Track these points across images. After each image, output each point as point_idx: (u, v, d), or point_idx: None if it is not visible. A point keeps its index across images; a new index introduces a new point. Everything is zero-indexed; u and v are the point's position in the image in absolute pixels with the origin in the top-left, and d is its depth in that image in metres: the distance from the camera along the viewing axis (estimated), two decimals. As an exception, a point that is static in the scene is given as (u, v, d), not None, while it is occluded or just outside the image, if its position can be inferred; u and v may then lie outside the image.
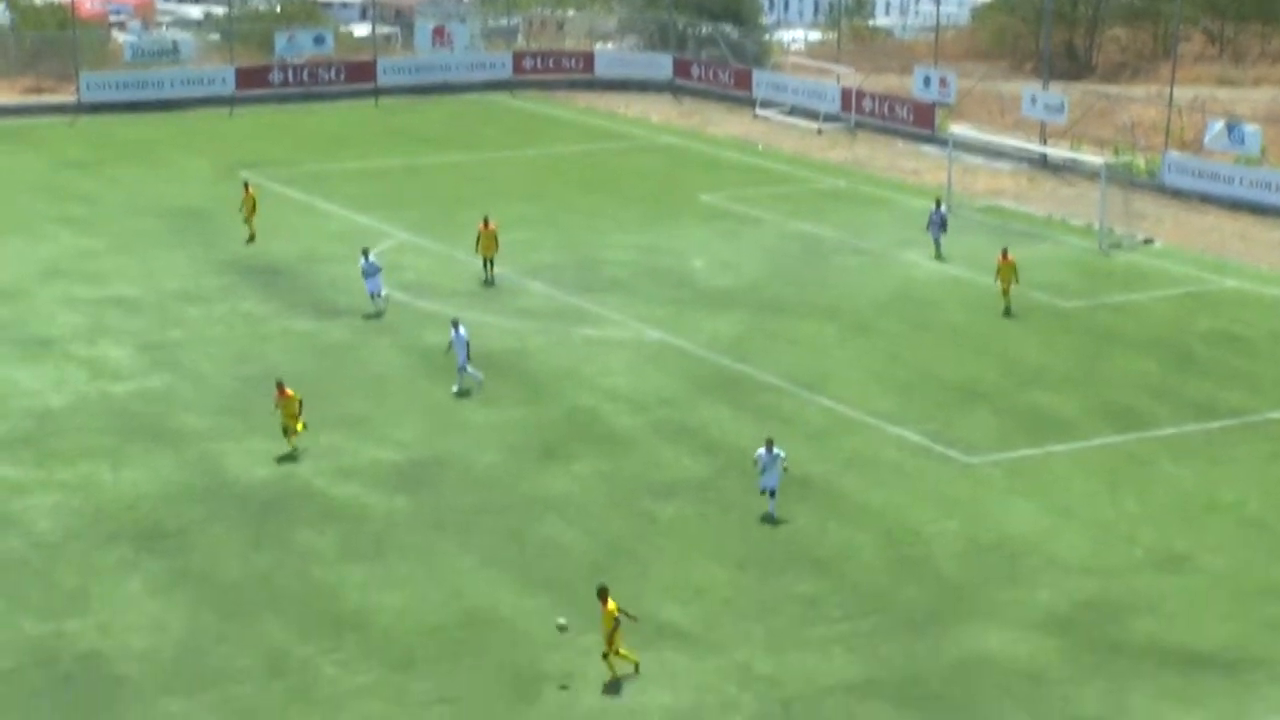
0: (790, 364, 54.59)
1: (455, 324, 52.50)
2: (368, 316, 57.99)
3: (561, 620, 35.97)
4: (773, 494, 42.52)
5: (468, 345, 51.76)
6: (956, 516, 43.38)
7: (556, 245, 68.73)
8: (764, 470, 42.56)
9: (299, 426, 46.62)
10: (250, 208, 68.52)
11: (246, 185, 69.88)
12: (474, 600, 38.77)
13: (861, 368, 54.59)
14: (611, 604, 34.83)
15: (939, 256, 66.89)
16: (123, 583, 39.41)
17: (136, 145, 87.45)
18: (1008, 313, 59.62)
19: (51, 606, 38.21)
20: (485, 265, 62.89)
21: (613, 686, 34.76)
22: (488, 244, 62.54)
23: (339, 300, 60.24)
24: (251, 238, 68.12)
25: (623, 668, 35.19)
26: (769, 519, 42.28)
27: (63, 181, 78.94)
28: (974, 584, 39.74)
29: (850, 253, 68.46)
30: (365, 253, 58.96)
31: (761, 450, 42.72)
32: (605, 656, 34.97)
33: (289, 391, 46.53)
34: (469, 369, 51.91)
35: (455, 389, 51.74)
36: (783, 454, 42.62)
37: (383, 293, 58.79)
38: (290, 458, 46.34)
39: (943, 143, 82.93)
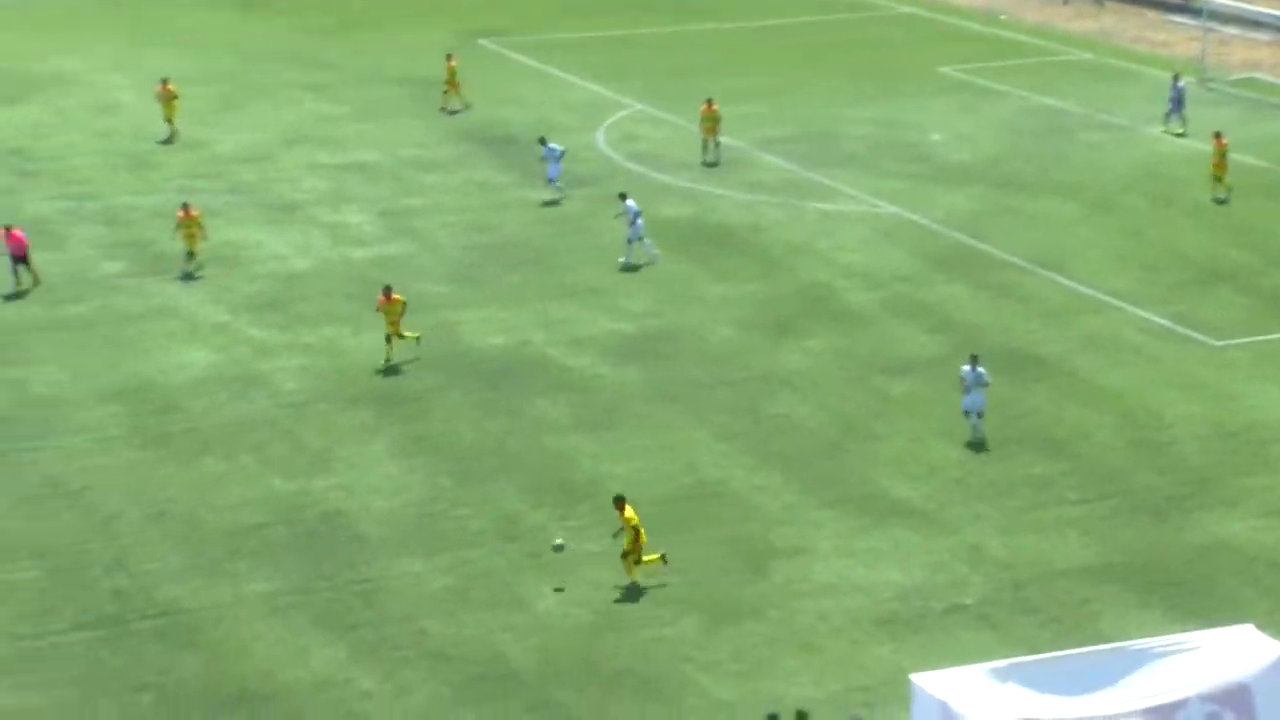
0: (1028, 241, 53.52)
1: (623, 196, 52.47)
2: (547, 204, 57.72)
3: (559, 541, 34.96)
4: (979, 416, 39.89)
5: (639, 217, 51.72)
6: (1200, 401, 42.30)
7: (790, 118, 68.00)
8: (968, 390, 39.79)
9: (403, 333, 44.35)
10: (450, 79, 68.54)
11: (449, 56, 70.01)
12: (706, 473, 38.93)
13: (1102, 246, 53.30)
14: (629, 512, 33.90)
15: (1180, 132, 64.79)
16: (365, 445, 40.31)
17: (377, 13, 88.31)
18: (1219, 201, 57.27)
19: (298, 466, 39.26)
20: (705, 146, 62.03)
21: (823, 565, 34.75)
22: (710, 125, 61.75)
23: (575, 170, 60.43)
24: (446, 108, 68.20)
25: (642, 573, 34.04)
26: (977, 444, 39.80)
27: (306, 48, 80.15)
28: (1218, 470, 38.79)
29: (1094, 128, 66.67)
30: (543, 140, 58.35)
31: (966, 367, 40.08)
32: (624, 557, 33.93)
33: (396, 296, 44.67)
34: (645, 242, 51.90)
35: (623, 261, 51.83)
36: (986, 374, 39.75)
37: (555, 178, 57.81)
38: (517, 329, 46.81)
39: (1196, 12, 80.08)
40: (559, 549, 34.75)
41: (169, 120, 64.24)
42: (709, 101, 62.09)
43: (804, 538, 35.85)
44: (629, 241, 51.76)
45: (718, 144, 61.96)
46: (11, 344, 45.51)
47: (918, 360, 44.76)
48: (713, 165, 61.42)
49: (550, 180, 57.52)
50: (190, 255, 50.64)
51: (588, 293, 49.75)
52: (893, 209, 56.79)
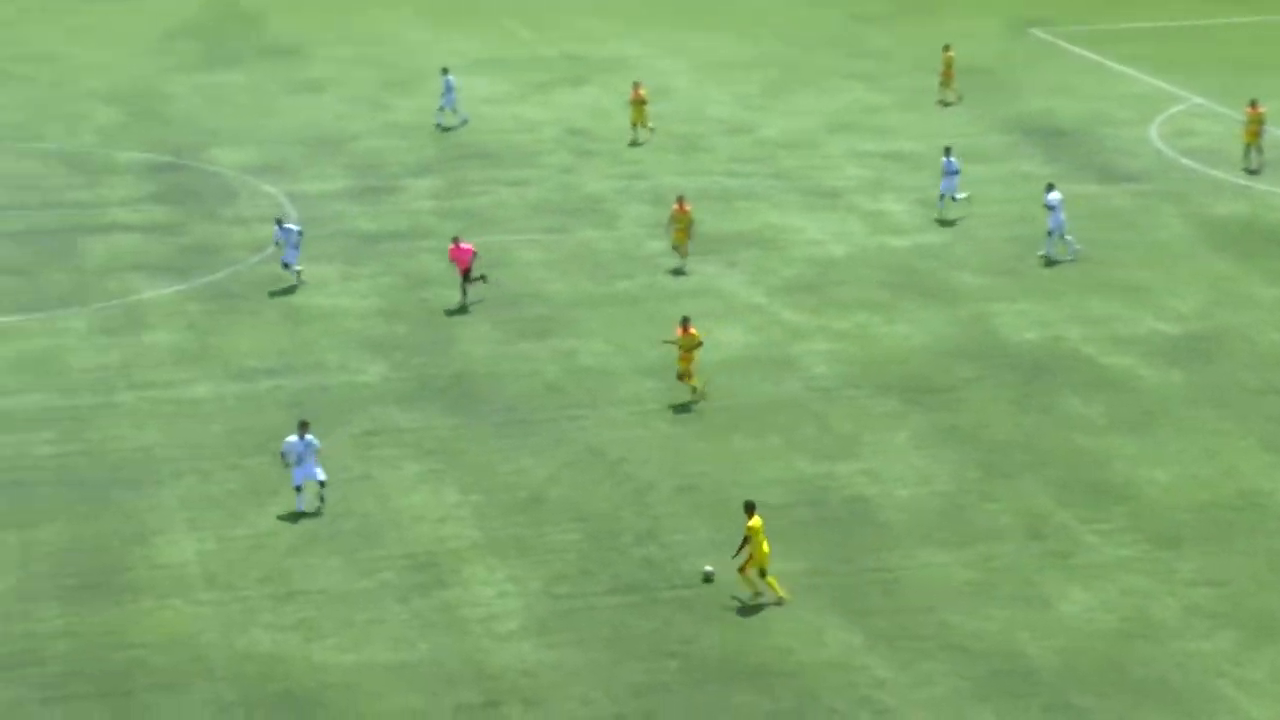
0: None
1: (1050, 187, 50.83)
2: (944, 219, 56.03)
3: (709, 569, 33.76)
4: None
5: (1059, 208, 49.73)
6: None
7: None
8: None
9: (691, 373, 41.29)
10: (946, 70, 66.99)
11: (946, 48, 68.14)
12: (1249, 482, 37.12)
13: None
14: (754, 520, 32.59)
15: None
16: (891, 433, 40.17)
17: (932, 1, 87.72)
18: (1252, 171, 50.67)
19: (824, 449, 39.45)
20: (1248, 152, 58.44)
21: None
22: (1254, 130, 58.27)
23: (1125, 165, 58.56)
24: (942, 101, 66.74)
25: (750, 589, 33.00)
26: None
27: (856, 35, 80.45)
28: None
29: None
30: (947, 151, 55.99)
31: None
32: (741, 571, 32.87)
33: (692, 330, 41.50)
34: (1067, 238, 49.87)
35: (1042, 254, 50.29)
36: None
37: (958, 196, 56.01)
38: (1052, 324, 45.72)
39: None
40: (708, 578, 33.64)
41: (636, 125, 63.19)
42: (1253, 104, 58.79)
43: (1354, 559, 33.74)
44: (1049, 234, 49.99)
45: (1260, 150, 58.60)
46: (565, 317, 47.34)
47: None
48: (1254, 172, 58.25)
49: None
50: (677, 249, 51.16)
51: (1131, 290, 48.17)
52: None
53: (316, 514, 36.37)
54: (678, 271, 50.23)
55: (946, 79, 68.02)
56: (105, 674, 30.74)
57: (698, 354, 41.57)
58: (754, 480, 37.83)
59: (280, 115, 66.57)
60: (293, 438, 36.27)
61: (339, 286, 49.54)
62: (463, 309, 47.43)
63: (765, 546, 32.88)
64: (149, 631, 32.05)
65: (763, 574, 32.98)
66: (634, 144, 62.33)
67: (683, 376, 41.63)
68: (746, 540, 32.88)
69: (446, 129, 64.13)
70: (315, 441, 36.31)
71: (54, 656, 31.18)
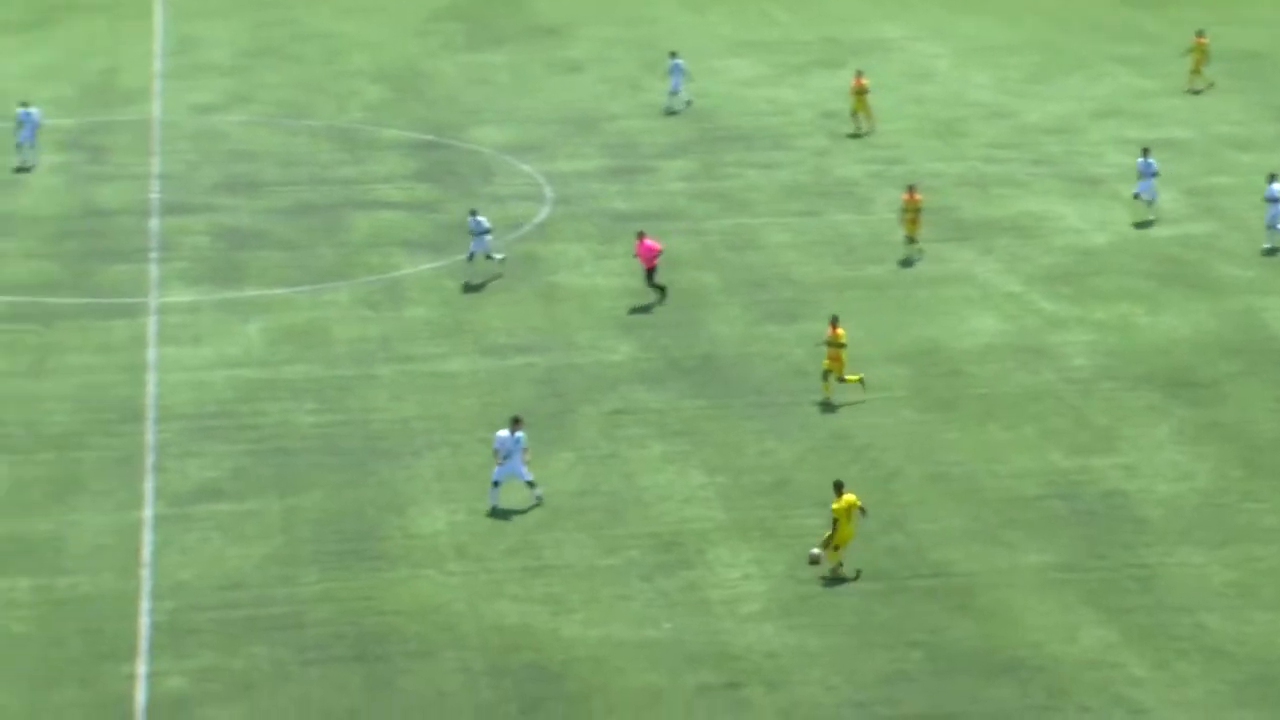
0: None
1: (1272, 178, 49.58)
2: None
3: (815, 550, 33.29)
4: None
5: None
6: None
7: None
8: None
9: (844, 374, 40.69)
10: (1199, 60, 64.95)
11: (1199, 34, 66.07)
12: None
13: None
14: (844, 498, 32.92)
15: None
16: (1151, 427, 39.18)
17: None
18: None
19: (1080, 442, 38.64)
20: None
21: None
22: None
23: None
24: (1192, 89, 64.79)
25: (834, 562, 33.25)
26: None
27: (1126, 19, 78.51)
28: None
29: None
30: (1145, 151, 53.64)
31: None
32: (832, 545, 33.14)
33: (839, 330, 40.75)
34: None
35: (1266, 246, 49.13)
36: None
37: (1154, 198, 53.02)
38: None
39: None
40: (814, 560, 33.38)
41: (856, 113, 62.01)
42: None
43: None
44: (1269, 227, 49.06)
45: None
46: (813, 300, 47.07)
47: None
48: None
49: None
50: (910, 240, 50.38)
51: None
52: None
53: (565, 490, 36.76)
54: (907, 262, 49.56)
55: (1197, 66, 65.95)
56: (361, 638, 31.47)
57: (845, 354, 40.83)
58: (1007, 470, 37.24)
59: (540, 95, 67.32)
60: (504, 432, 36.17)
61: (592, 266, 49.95)
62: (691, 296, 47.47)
63: (849, 529, 33.04)
64: (402, 599, 32.72)
65: (836, 548, 33.21)
66: (855, 135, 61.50)
67: (827, 375, 40.75)
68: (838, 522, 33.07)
69: (673, 113, 64.09)
70: (523, 439, 35.99)
71: (314, 620, 32.01)
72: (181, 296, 47.01)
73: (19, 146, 57.03)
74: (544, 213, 54.36)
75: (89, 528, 35.06)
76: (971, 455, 38.08)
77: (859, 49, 73.46)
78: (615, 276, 49.03)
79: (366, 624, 31.93)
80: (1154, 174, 52.44)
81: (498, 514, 35.77)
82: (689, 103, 65.04)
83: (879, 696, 29.69)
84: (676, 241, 51.28)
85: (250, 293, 47.25)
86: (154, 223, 52.84)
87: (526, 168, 58.76)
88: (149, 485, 36.79)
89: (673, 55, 65.34)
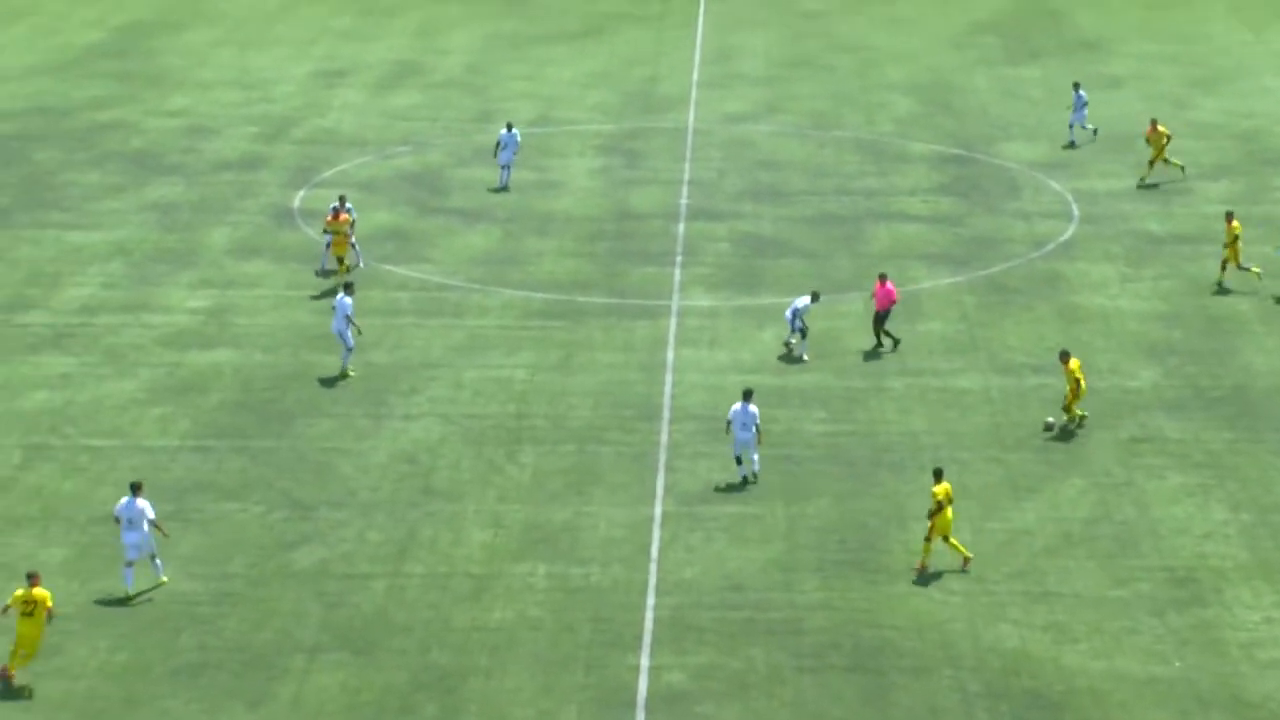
0: None
1: None
2: None
3: (1050, 419, 36.71)
4: None
5: None
6: None
7: None
8: None
9: (1073, 407, 39.47)
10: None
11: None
12: None
13: None
14: (941, 486, 33.40)
15: None
16: None
17: None
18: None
19: None
20: None
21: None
22: None
23: None
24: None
25: (947, 555, 33.86)
26: None
27: None
28: None
29: None
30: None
31: None
32: (927, 540, 33.65)
33: (1071, 364, 39.24)
34: None
35: None
36: None
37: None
38: None
39: None
40: (1049, 428, 37.18)
41: (1156, 162, 57.36)
42: None
43: None
44: None
45: None
46: None
47: None
48: None
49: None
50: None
51: None
52: None
53: (1075, 517, 35.77)
54: None
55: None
56: (857, 649, 31.39)
57: (1083, 386, 39.13)
58: None
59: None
60: (738, 406, 37.28)
61: (1118, 288, 48.48)
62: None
63: (949, 514, 33.22)
64: (901, 614, 32.47)
65: (945, 539, 33.68)
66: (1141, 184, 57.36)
67: (1068, 409, 39.39)
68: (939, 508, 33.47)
69: (1073, 146, 61.11)
70: (756, 414, 37.01)
71: (811, 628, 32.13)
72: (701, 301, 48.00)
73: (502, 168, 57.94)
74: (1070, 231, 53.10)
75: (603, 520, 36.17)
76: None
77: None
78: (1142, 300, 47.44)
79: (864, 636, 31.83)
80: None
81: (1004, 536, 35.08)
82: (1094, 134, 62.23)
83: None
84: (1211, 266, 49.25)
85: (767, 300, 47.84)
86: (680, 227, 54.17)
87: (1055, 185, 57.51)
88: (660, 483, 37.69)
89: (1076, 87, 62.44)
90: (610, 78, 72.29)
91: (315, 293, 48.37)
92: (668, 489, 37.41)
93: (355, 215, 50.91)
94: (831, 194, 57.39)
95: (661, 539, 35.37)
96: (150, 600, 33.00)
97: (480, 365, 43.69)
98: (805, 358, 43.57)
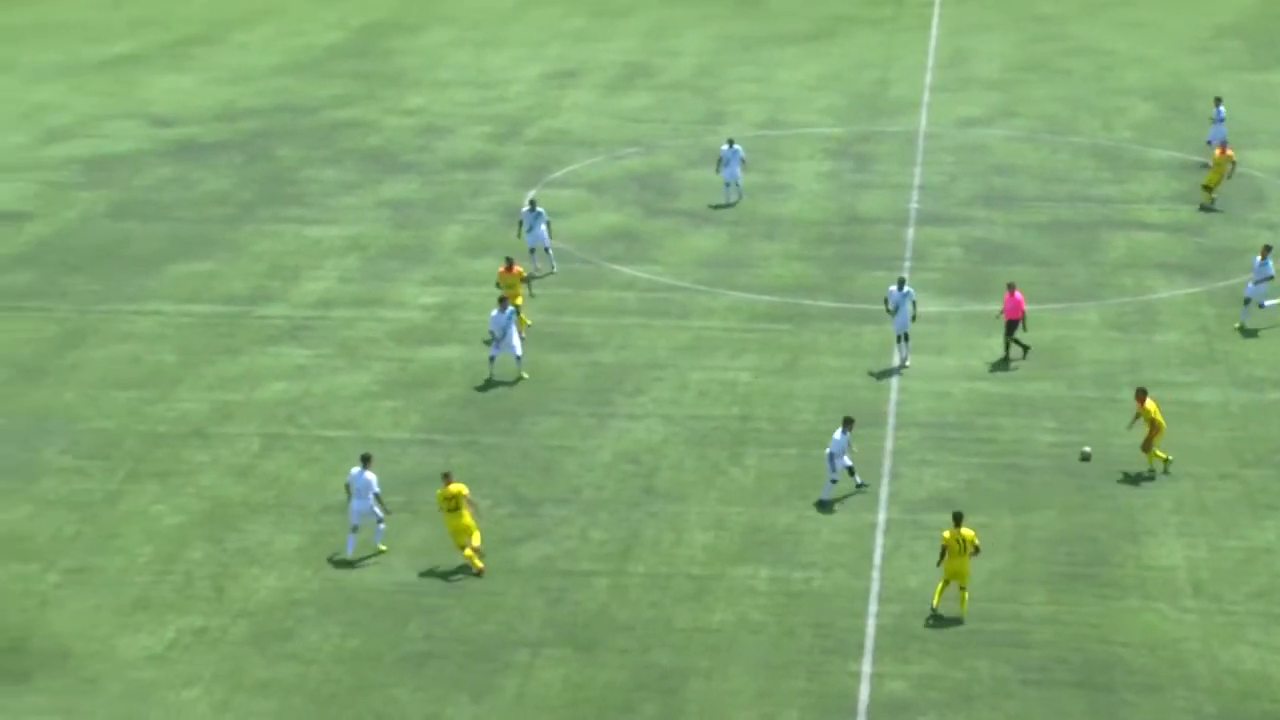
0: None
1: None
2: None
3: (1086, 449, 37.46)
4: None
5: None
6: None
7: None
8: None
9: (1155, 449, 37.71)
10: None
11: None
12: None
13: None
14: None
15: None
16: None
17: None
18: None
19: None
20: None
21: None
22: None
23: None
24: None
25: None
26: None
27: None
28: None
29: None
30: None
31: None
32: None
33: (1147, 404, 37.08)
34: None
35: None
36: None
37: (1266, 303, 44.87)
38: None
39: None
40: (1085, 457, 37.39)
41: (1212, 186, 54.73)
42: None
43: None
44: None
45: None
46: None
47: None
48: None
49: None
50: None
51: None
52: None
53: (1317, 536, 34.63)
54: None
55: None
56: (1085, 665, 30.73)
57: (1160, 426, 37.29)
58: None
59: (1321, 118, 63.85)
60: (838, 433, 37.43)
61: (1367, 300, 46.90)
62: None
63: (966, 563, 32.32)
64: (1131, 631, 31.72)
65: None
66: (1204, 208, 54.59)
67: (1146, 448, 37.49)
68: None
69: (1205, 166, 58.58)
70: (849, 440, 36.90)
71: (1038, 641, 31.52)
72: (930, 306, 47.43)
73: (725, 184, 56.73)
74: (1315, 242, 51.47)
75: (826, 524, 35.91)
76: None
77: None
78: (1390, 313, 45.81)
79: (1092, 651, 31.14)
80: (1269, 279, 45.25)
81: (1242, 555, 34.06)
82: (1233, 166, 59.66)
83: None
84: None
85: (997, 307, 47.10)
86: (910, 232, 53.60)
87: (1300, 194, 55.84)
88: (884, 489, 37.31)
89: (1217, 101, 59.77)
90: (840, 80, 71.86)
91: (540, 292, 48.85)
92: (892, 496, 37.01)
93: (548, 227, 50.30)
94: (1066, 200, 56.34)
95: (885, 546, 35.01)
96: (378, 590, 33.62)
97: (705, 367, 43.70)
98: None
